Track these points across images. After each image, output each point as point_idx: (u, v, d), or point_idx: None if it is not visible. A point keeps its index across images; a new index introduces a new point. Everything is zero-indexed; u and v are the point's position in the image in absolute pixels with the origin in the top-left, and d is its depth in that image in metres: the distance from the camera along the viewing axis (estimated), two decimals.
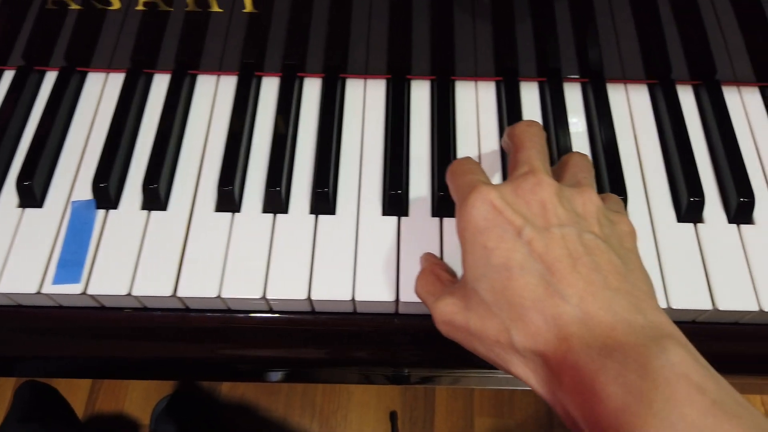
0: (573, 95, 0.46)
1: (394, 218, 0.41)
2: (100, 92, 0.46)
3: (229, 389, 1.14)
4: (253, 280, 0.38)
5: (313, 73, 0.47)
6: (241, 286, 0.38)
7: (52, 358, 0.42)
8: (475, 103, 0.46)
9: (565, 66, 0.46)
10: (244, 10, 0.42)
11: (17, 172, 0.42)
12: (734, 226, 0.40)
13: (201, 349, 0.41)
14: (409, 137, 0.44)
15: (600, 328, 0.26)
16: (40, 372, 0.55)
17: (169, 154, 0.43)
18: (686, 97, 0.46)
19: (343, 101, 0.46)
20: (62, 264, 0.39)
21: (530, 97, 0.46)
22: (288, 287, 0.38)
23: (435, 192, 0.41)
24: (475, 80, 0.47)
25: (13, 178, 0.42)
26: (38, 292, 0.38)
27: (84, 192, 0.42)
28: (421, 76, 0.47)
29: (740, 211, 0.40)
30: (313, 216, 0.41)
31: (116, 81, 0.46)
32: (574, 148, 0.44)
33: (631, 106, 0.45)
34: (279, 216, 0.41)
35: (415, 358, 0.42)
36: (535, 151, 0.33)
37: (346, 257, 0.39)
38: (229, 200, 0.41)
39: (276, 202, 0.41)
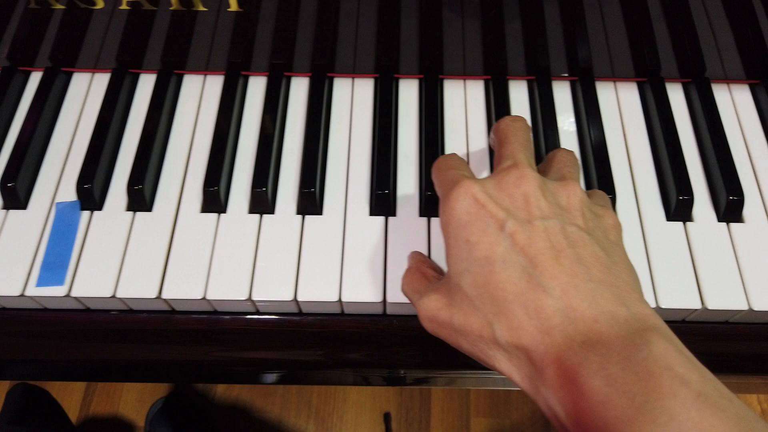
0: (562, 93, 0.46)
1: (382, 218, 0.40)
2: (86, 92, 0.46)
3: (224, 391, 1.14)
4: (239, 282, 0.38)
5: (300, 73, 0.46)
6: (227, 288, 0.38)
7: (38, 360, 0.42)
8: (464, 101, 0.45)
9: (554, 64, 0.45)
10: (230, 9, 0.41)
11: (1, 174, 0.41)
12: (724, 224, 0.40)
13: (187, 351, 0.41)
14: (397, 137, 0.44)
15: (583, 320, 0.26)
16: (27, 375, 0.54)
17: (155, 155, 0.42)
18: (676, 95, 0.45)
19: (330, 101, 0.46)
20: (46, 266, 0.39)
21: (519, 96, 0.46)
22: (274, 288, 0.38)
23: (423, 192, 0.41)
24: (464, 79, 0.46)
25: None
26: (22, 295, 0.38)
27: (69, 193, 0.42)
28: (409, 75, 0.46)
29: (729, 209, 0.40)
30: (299, 216, 0.40)
31: (102, 81, 0.46)
32: (563, 147, 0.43)
33: (621, 104, 0.45)
34: (265, 216, 0.40)
35: (404, 359, 0.42)
36: (519, 145, 0.33)
37: (333, 258, 0.39)
38: (214, 201, 0.40)
39: (262, 202, 0.40)
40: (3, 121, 0.44)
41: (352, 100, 0.46)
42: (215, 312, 0.40)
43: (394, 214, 0.40)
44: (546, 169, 0.35)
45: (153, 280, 0.38)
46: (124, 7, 0.41)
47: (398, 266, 0.38)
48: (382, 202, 0.40)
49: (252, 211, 0.41)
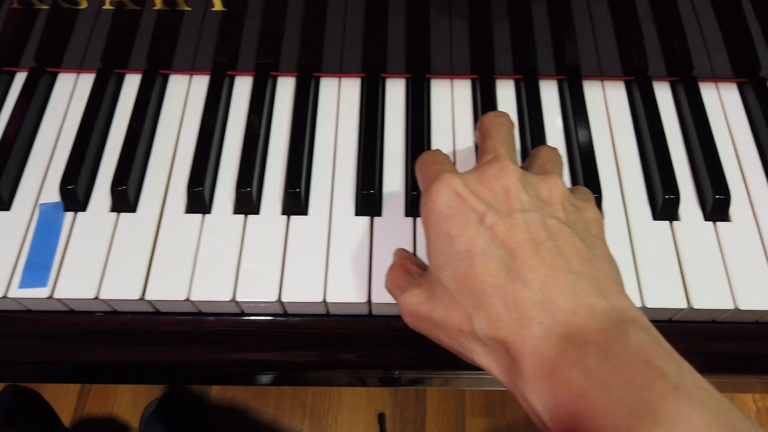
0: (549, 92, 0.46)
1: (367, 218, 0.40)
2: (71, 93, 0.46)
3: (218, 392, 1.13)
4: (223, 283, 0.38)
5: (286, 72, 0.46)
6: (211, 289, 0.38)
7: (21, 362, 0.42)
8: (451, 101, 0.45)
9: (542, 63, 0.45)
10: (214, 9, 0.41)
11: None
12: (710, 223, 0.40)
13: (173, 353, 0.41)
14: (384, 136, 0.44)
15: (561, 312, 0.26)
16: (12, 376, 0.54)
17: (139, 156, 0.42)
18: (663, 94, 0.45)
19: (317, 100, 0.45)
20: (29, 268, 0.39)
21: (506, 95, 0.46)
22: (258, 289, 0.38)
23: (408, 191, 0.41)
24: (451, 78, 0.46)
25: None
26: (4, 296, 0.38)
27: (53, 194, 0.41)
28: (396, 74, 0.46)
29: (716, 208, 0.39)
30: (285, 217, 0.40)
31: (87, 81, 0.46)
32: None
33: (608, 103, 0.45)
34: (250, 217, 0.40)
35: (393, 360, 0.42)
36: (501, 139, 0.33)
37: (318, 258, 0.39)
38: (199, 201, 0.40)
39: (247, 202, 0.40)
40: None
41: (339, 99, 0.45)
42: (200, 313, 0.40)
43: (379, 214, 0.40)
44: (529, 165, 0.35)
45: (136, 281, 0.38)
46: (107, 7, 0.41)
47: (384, 266, 0.38)
48: (368, 202, 0.40)
49: (237, 211, 0.40)
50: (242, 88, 0.46)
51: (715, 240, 0.39)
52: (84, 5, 0.41)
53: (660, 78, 0.46)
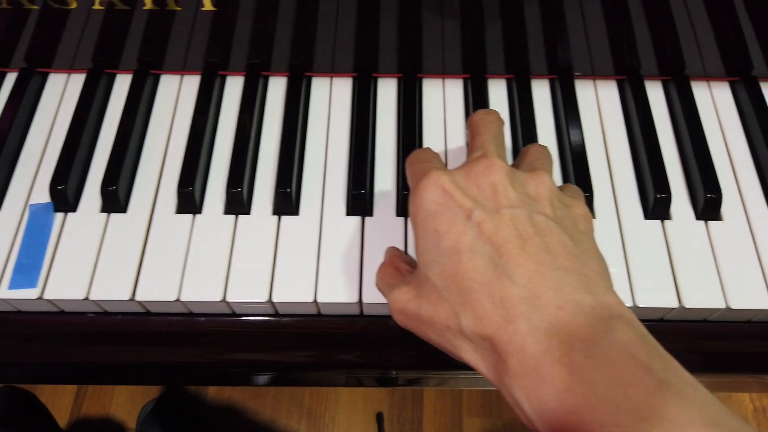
0: (541, 92, 0.46)
1: (358, 218, 0.40)
2: (61, 93, 0.46)
3: (215, 392, 1.13)
4: (214, 283, 0.38)
5: (278, 72, 0.46)
6: (201, 289, 0.38)
7: (13, 363, 0.41)
8: (443, 101, 0.45)
9: (534, 63, 0.45)
10: (204, 9, 0.41)
11: None
12: (702, 222, 0.40)
13: (164, 353, 0.41)
14: (375, 136, 0.44)
15: (547, 308, 0.25)
16: (6, 378, 0.54)
17: (130, 156, 0.42)
18: (655, 93, 0.45)
19: (308, 100, 0.45)
20: (18, 268, 0.38)
21: (498, 94, 0.45)
22: (249, 290, 0.38)
23: (400, 191, 0.41)
24: (443, 78, 0.46)
25: None
26: None
27: (43, 195, 0.41)
28: (387, 74, 0.46)
29: (707, 207, 0.39)
30: (275, 217, 0.40)
31: (78, 82, 0.46)
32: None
33: (600, 103, 0.45)
34: (241, 217, 0.40)
35: (385, 360, 0.42)
36: (490, 136, 0.33)
37: (309, 258, 0.38)
38: (189, 202, 0.40)
39: (237, 203, 0.40)
40: None
41: (330, 99, 0.45)
42: (191, 314, 0.40)
43: (371, 214, 0.40)
44: (519, 163, 0.35)
45: (127, 281, 0.38)
46: (97, 6, 0.41)
47: (375, 266, 0.38)
48: (359, 202, 0.40)
49: (227, 211, 0.40)
50: (233, 87, 0.46)
51: (706, 239, 0.39)
52: (74, 5, 0.41)
53: (652, 77, 0.46)
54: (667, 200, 0.39)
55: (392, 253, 0.37)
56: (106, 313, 0.40)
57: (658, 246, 0.39)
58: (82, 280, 0.38)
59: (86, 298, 0.37)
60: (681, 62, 0.44)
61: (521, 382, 0.25)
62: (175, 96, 0.45)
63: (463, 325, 0.27)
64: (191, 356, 0.41)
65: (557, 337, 0.25)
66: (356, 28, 0.43)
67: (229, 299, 0.37)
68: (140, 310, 0.39)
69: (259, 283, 0.38)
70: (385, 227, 0.40)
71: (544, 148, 0.36)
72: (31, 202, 0.41)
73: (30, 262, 0.39)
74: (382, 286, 0.34)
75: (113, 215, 0.40)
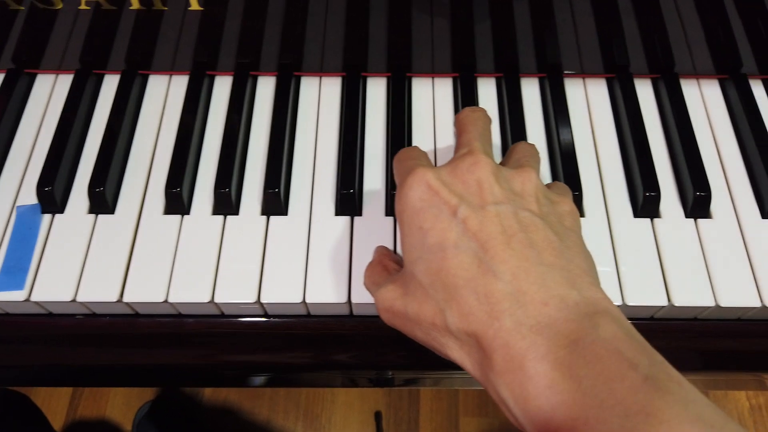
0: (530, 90, 0.45)
1: (347, 218, 0.40)
2: (49, 94, 0.45)
3: (211, 393, 1.13)
4: (202, 284, 0.37)
5: (266, 72, 0.46)
6: (190, 290, 0.37)
7: (2, 366, 0.41)
8: (432, 100, 0.45)
9: (523, 61, 0.45)
10: (191, 9, 0.41)
11: None
12: (691, 220, 0.40)
13: (153, 355, 0.41)
14: (364, 136, 0.44)
15: (532, 304, 0.25)
16: None
17: (117, 157, 0.42)
18: (644, 91, 0.45)
19: (297, 100, 0.45)
20: (5, 270, 0.38)
21: (487, 93, 0.45)
22: (237, 290, 0.37)
23: (389, 191, 0.41)
24: (432, 77, 0.46)
25: None
26: None
27: (30, 196, 0.41)
28: (377, 73, 0.46)
29: (697, 205, 0.39)
30: (264, 217, 0.40)
31: (66, 82, 0.45)
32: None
33: (589, 101, 0.45)
34: (229, 218, 0.40)
35: (377, 360, 0.42)
36: (476, 133, 0.33)
37: (298, 259, 0.38)
38: (177, 202, 0.40)
39: (226, 203, 0.40)
40: None
41: (319, 99, 0.45)
42: (179, 315, 0.39)
43: (360, 214, 0.40)
44: (506, 161, 0.35)
45: (114, 283, 0.38)
46: (83, 7, 0.41)
47: (364, 266, 0.37)
48: (348, 202, 0.40)
49: (216, 212, 0.40)
50: (222, 87, 0.45)
51: (696, 237, 0.39)
52: (59, 6, 0.41)
53: (641, 75, 0.45)
54: (656, 198, 0.39)
55: (381, 252, 0.37)
56: (94, 315, 0.39)
57: (647, 244, 0.39)
58: (69, 281, 0.38)
59: (74, 300, 0.37)
60: (670, 60, 0.44)
61: (506, 379, 0.25)
62: (164, 96, 0.45)
63: (448, 322, 0.27)
64: (181, 358, 0.41)
65: (542, 334, 0.24)
66: (345, 27, 0.43)
67: (217, 300, 0.37)
68: (129, 311, 0.39)
69: (248, 284, 0.37)
70: (374, 227, 0.39)
71: (532, 146, 0.36)
72: (18, 203, 0.41)
73: (17, 263, 0.38)
74: (370, 284, 0.34)
75: (101, 216, 0.40)
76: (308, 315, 0.39)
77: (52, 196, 0.40)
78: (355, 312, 0.39)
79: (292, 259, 0.38)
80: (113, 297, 0.37)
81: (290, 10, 0.42)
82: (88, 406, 1.12)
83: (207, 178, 0.41)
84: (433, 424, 1.10)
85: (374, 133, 0.44)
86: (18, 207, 0.40)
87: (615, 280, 0.37)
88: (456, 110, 0.44)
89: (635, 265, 0.38)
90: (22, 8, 0.41)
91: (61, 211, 0.40)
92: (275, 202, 0.40)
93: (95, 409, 1.12)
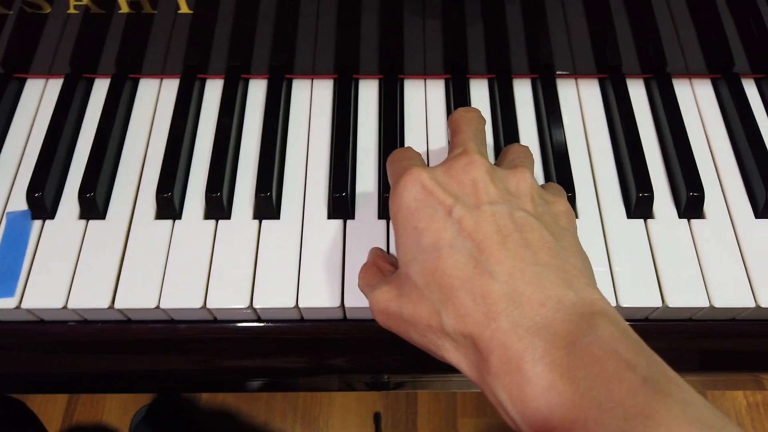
0: (523, 91, 0.45)
1: (340, 221, 0.40)
2: (39, 99, 0.45)
3: (209, 396, 1.13)
4: (194, 290, 0.37)
5: (258, 75, 0.46)
6: (182, 296, 0.37)
7: None
8: (424, 101, 0.45)
9: (515, 62, 0.45)
10: (180, 12, 0.41)
11: None
12: (685, 221, 0.39)
13: (146, 361, 0.40)
14: (357, 138, 0.43)
15: (529, 305, 0.25)
16: None
17: (108, 162, 0.41)
18: (637, 91, 0.45)
19: (289, 102, 0.45)
20: None
21: (480, 94, 0.45)
22: (230, 296, 0.37)
23: (381, 193, 0.40)
24: (424, 78, 0.46)
25: None
26: None
27: (20, 202, 0.41)
28: (368, 75, 0.46)
29: (690, 205, 0.39)
30: (256, 221, 0.40)
31: (56, 87, 0.45)
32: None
33: (582, 101, 0.45)
34: (221, 222, 0.40)
35: (373, 364, 0.41)
36: (470, 133, 0.33)
37: (290, 263, 0.38)
38: (168, 207, 0.39)
39: (217, 207, 0.39)
40: None
41: (311, 101, 0.45)
42: (172, 321, 0.39)
43: (352, 217, 0.40)
44: (500, 162, 0.35)
45: (106, 289, 0.37)
46: (72, 11, 0.40)
47: (356, 270, 0.37)
48: (340, 205, 0.39)
49: (208, 216, 0.40)
50: (213, 91, 0.45)
51: (689, 237, 0.39)
52: (48, 10, 0.40)
53: (634, 75, 0.45)
54: (649, 199, 0.39)
55: (375, 253, 0.36)
56: (86, 322, 0.39)
57: (641, 245, 0.38)
58: (60, 288, 0.37)
59: (65, 307, 0.37)
60: (662, 60, 0.44)
61: (503, 381, 0.24)
62: (154, 100, 0.45)
63: (444, 323, 0.27)
64: (174, 364, 0.40)
65: (539, 335, 0.24)
66: (336, 28, 0.43)
67: (209, 306, 0.37)
68: (121, 317, 0.39)
69: (240, 289, 0.37)
70: (367, 230, 0.39)
71: (526, 147, 0.36)
72: (8, 209, 0.40)
73: (8, 270, 0.38)
74: (364, 286, 0.34)
75: (92, 222, 0.40)
76: (302, 319, 0.39)
77: (42, 201, 0.39)
78: (349, 316, 0.39)
79: (284, 264, 0.38)
80: (105, 303, 0.37)
81: (281, 12, 0.42)
82: (85, 410, 1.11)
83: (198, 183, 0.41)
84: (431, 425, 1.10)
85: (366, 135, 0.43)
86: (8, 213, 0.40)
87: (609, 281, 0.37)
88: (448, 112, 0.44)
89: (629, 266, 0.38)
90: (11, 12, 0.41)
91: (52, 216, 0.40)
92: (267, 206, 0.39)
93: (92, 413, 1.11)
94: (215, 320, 0.39)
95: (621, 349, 0.23)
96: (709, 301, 0.37)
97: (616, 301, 0.37)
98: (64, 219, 0.40)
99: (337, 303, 0.37)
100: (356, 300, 0.37)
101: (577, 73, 0.45)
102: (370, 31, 0.43)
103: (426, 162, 0.42)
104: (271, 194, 0.39)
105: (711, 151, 0.43)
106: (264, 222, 0.40)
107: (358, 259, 0.38)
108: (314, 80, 0.46)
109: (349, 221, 0.40)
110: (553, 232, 0.28)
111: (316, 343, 0.40)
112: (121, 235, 0.39)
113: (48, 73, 0.46)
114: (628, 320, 0.27)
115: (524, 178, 0.31)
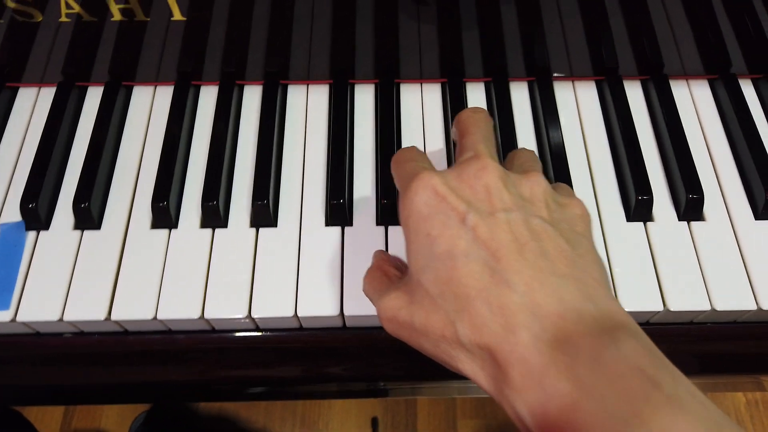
0: (520, 94, 0.45)
1: (338, 228, 0.39)
2: (32, 108, 0.45)
3: (207, 402, 1.12)
4: (191, 300, 0.37)
5: (253, 81, 0.45)
6: (179, 307, 0.37)
7: None
8: (421, 106, 0.44)
9: (511, 65, 0.44)
10: (173, 19, 0.40)
11: None
12: (684, 223, 0.39)
13: (144, 372, 0.40)
14: (353, 143, 0.43)
15: (549, 318, 0.24)
16: None
17: (102, 171, 0.41)
18: (634, 93, 0.45)
19: (284, 108, 0.44)
20: None
21: (476, 98, 0.45)
22: (228, 305, 0.37)
23: (379, 200, 0.40)
24: (420, 82, 0.45)
25: None
26: None
27: (14, 213, 0.40)
28: (364, 80, 0.45)
29: (690, 207, 0.39)
30: (253, 229, 0.39)
31: (48, 95, 0.45)
32: (521, 148, 0.42)
33: (579, 104, 0.44)
34: (218, 231, 0.39)
35: (373, 372, 0.41)
36: (480, 136, 0.32)
37: (288, 271, 0.38)
38: (164, 216, 0.39)
39: (214, 216, 0.39)
40: None
41: (307, 107, 0.44)
42: (170, 331, 0.39)
43: (350, 224, 0.39)
44: (509, 167, 0.34)
45: (102, 301, 0.37)
46: (64, 19, 0.40)
47: (355, 277, 0.37)
48: (338, 212, 0.39)
49: (204, 225, 0.39)
50: (208, 98, 0.45)
51: (689, 240, 0.39)
52: (39, 18, 0.40)
53: (631, 77, 0.45)
54: (649, 202, 0.39)
55: (380, 257, 0.35)
56: (83, 334, 0.39)
57: (641, 248, 0.38)
58: (56, 300, 0.37)
59: (61, 319, 0.37)
60: (659, 61, 0.44)
61: (524, 396, 0.24)
62: (149, 107, 0.44)
63: (459, 333, 0.26)
64: (173, 374, 0.40)
65: (561, 349, 0.24)
66: (332, 33, 0.42)
67: (207, 316, 0.37)
68: (118, 329, 0.38)
69: (238, 299, 0.37)
70: (366, 237, 0.39)
71: (532, 152, 0.35)
72: (1, 221, 0.40)
73: (2, 283, 0.38)
74: (371, 291, 0.32)
75: (87, 232, 0.39)
76: (300, 328, 0.39)
77: (36, 212, 0.39)
78: (348, 324, 0.38)
79: (282, 272, 0.38)
80: (101, 315, 0.37)
81: (275, 17, 0.41)
82: (83, 419, 1.11)
83: (194, 191, 0.41)
84: (431, 427, 1.10)
85: (363, 141, 0.43)
86: (1, 225, 0.40)
87: (609, 285, 0.37)
88: (445, 116, 0.44)
89: (629, 270, 0.37)
90: (2, 21, 0.40)
91: (46, 227, 0.40)
92: (264, 214, 0.39)
93: (90, 422, 1.10)
94: (213, 330, 0.39)
95: (645, 365, 0.23)
96: (711, 304, 0.36)
97: None
98: (58, 230, 0.39)
99: (336, 311, 0.37)
100: (356, 308, 0.36)
101: (574, 75, 0.45)
102: (365, 36, 0.43)
103: None
104: (268, 202, 0.39)
105: (709, 153, 0.42)
106: (261, 230, 0.39)
107: (357, 266, 0.38)
108: (310, 86, 0.45)
109: (347, 228, 0.39)
110: (569, 240, 0.28)
111: (315, 352, 0.39)
112: (117, 246, 0.39)
113: (40, 82, 0.45)
114: None
115: (538, 182, 0.30)
